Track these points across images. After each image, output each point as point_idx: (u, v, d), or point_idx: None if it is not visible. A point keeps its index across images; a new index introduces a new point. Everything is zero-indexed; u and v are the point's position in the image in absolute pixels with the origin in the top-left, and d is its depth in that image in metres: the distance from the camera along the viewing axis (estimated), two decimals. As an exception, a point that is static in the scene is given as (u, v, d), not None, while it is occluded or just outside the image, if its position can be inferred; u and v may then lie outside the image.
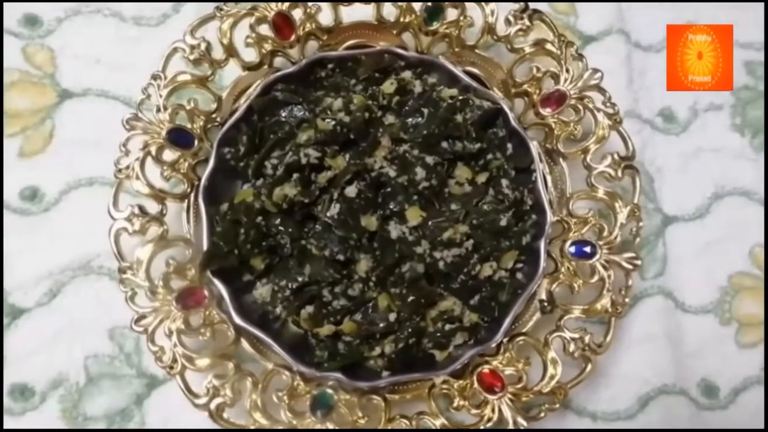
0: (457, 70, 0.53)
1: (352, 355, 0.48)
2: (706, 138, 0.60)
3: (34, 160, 0.56)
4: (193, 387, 0.45)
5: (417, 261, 0.48)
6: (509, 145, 0.52)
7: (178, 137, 0.49)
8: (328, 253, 0.48)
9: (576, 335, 0.48)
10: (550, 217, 0.50)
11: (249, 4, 0.50)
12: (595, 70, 0.52)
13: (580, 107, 0.51)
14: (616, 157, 0.51)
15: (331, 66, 0.53)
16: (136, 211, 0.47)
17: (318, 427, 0.45)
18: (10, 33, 0.58)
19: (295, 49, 0.53)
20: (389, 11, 0.52)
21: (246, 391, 0.46)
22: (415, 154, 0.50)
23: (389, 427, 0.47)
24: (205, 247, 0.48)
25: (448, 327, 0.49)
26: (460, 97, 0.52)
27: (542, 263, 0.49)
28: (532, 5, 0.52)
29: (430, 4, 0.51)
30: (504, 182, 0.51)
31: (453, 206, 0.50)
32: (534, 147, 0.52)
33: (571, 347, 0.48)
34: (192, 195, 0.50)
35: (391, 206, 0.49)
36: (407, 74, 0.53)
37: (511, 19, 0.52)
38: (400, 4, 0.51)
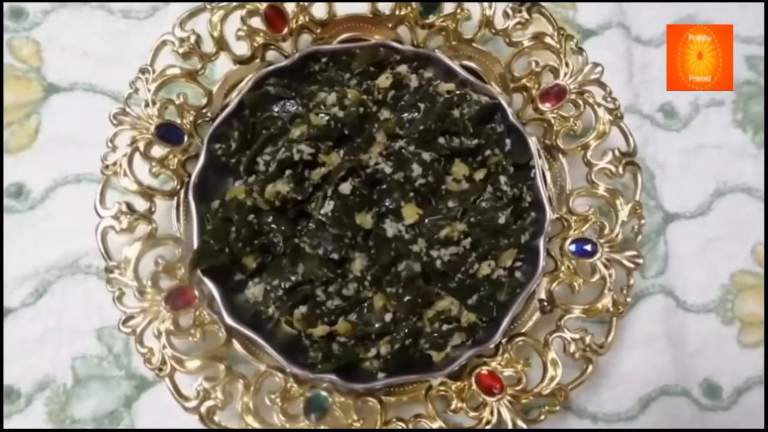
0: (454, 65, 0.52)
1: (347, 357, 0.47)
2: (708, 134, 0.59)
3: (20, 157, 0.55)
4: (183, 389, 0.45)
5: (413, 260, 0.47)
6: (507, 141, 0.52)
7: (168, 133, 0.48)
8: (321, 252, 0.47)
9: (577, 335, 0.47)
10: (550, 215, 0.50)
11: (240, -4, 0.50)
12: (596, 64, 0.51)
13: (580, 102, 0.51)
14: (617, 153, 0.50)
15: (324, 60, 0.52)
16: (124, 208, 0.46)
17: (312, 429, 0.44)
18: (-6, 25, 0.57)
19: (288, 43, 0.52)
20: (384, 4, 0.52)
21: (237, 394, 0.45)
22: (412, 150, 0.49)
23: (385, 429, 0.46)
24: (195, 245, 0.48)
25: (445, 327, 0.48)
26: (457, 92, 0.51)
27: (542, 262, 0.49)
28: (530, -2, 0.52)
29: (426, -4, 0.51)
30: (502, 179, 0.50)
31: (450, 203, 0.49)
32: (533, 143, 0.51)
33: (572, 348, 0.47)
34: (182, 192, 0.49)
35: (387, 203, 0.49)
36: (403, 68, 0.52)
37: (510, 12, 0.51)
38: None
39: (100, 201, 0.47)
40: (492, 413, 0.46)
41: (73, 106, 0.56)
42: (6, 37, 0.56)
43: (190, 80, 0.50)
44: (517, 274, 0.50)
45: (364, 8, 0.52)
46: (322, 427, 0.44)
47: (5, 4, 0.57)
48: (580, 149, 0.51)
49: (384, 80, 0.51)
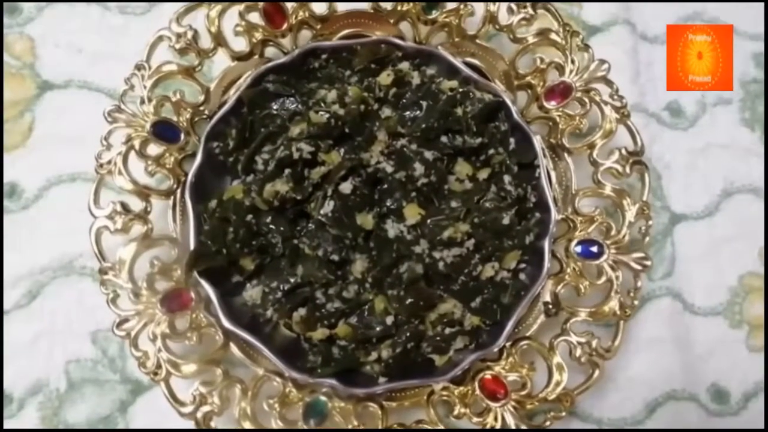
0: (457, 62, 0.51)
1: (347, 361, 0.47)
2: (715, 133, 0.59)
3: (13, 155, 0.54)
4: (179, 394, 0.44)
5: (415, 261, 0.47)
6: (512, 140, 0.51)
7: (164, 131, 0.48)
8: (321, 253, 0.47)
9: (583, 339, 0.46)
10: (555, 216, 0.49)
11: (238, -9, 0.49)
12: (602, 61, 0.50)
13: (586, 100, 0.50)
14: (623, 152, 0.49)
15: (325, 56, 0.52)
16: (119, 208, 0.46)
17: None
18: (-13, 21, 0.56)
19: (287, 39, 0.51)
20: (386, -1, 0.51)
21: (235, 399, 0.44)
22: (414, 149, 0.49)
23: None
24: (191, 246, 0.47)
25: (448, 331, 0.48)
26: (461, 90, 0.51)
27: (546, 264, 0.48)
28: (535, -6, 0.51)
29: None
30: (506, 178, 0.50)
31: (453, 204, 0.49)
32: (537, 142, 0.51)
33: (578, 352, 0.46)
34: (178, 191, 0.48)
35: (388, 204, 0.48)
36: (405, 65, 0.52)
37: (514, 7, 0.51)
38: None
39: (95, 201, 0.46)
40: (496, 419, 0.45)
41: (68, 103, 0.55)
42: None
43: (186, 77, 0.49)
44: (522, 276, 0.49)
45: (365, 4, 0.51)
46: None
47: (-1, 0, 0.56)
48: (585, 148, 0.50)
49: (385, 77, 0.50)
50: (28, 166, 0.54)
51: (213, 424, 0.44)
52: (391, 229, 0.47)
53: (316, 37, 0.52)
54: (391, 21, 0.52)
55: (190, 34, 0.48)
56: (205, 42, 0.49)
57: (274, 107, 0.51)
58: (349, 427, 0.45)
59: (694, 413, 0.53)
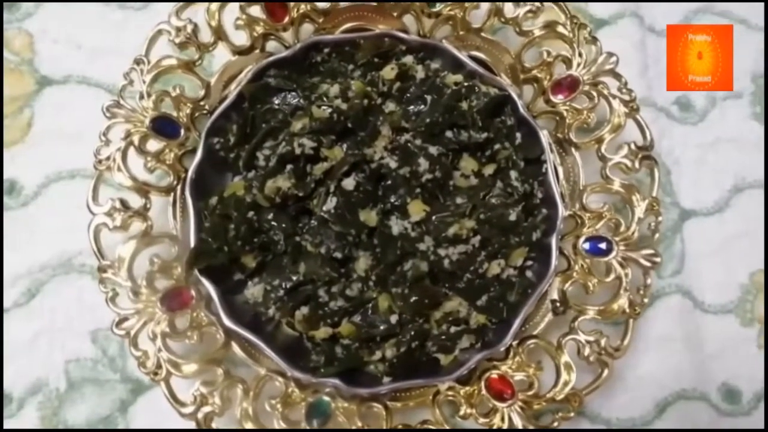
0: (462, 55, 0.51)
1: (351, 360, 0.46)
2: (725, 128, 0.58)
3: (12, 152, 0.54)
4: (180, 394, 0.44)
5: (420, 259, 0.47)
6: (518, 135, 0.51)
7: (163, 126, 0.48)
8: (324, 251, 0.46)
9: (591, 338, 0.46)
10: (562, 212, 0.49)
11: (239, -16, 0.49)
12: (610, 54, 0.50)
13: (594, 94, 0.49)
14: (633, 147, 0.49)
15: (327, 50, 0.51)
16: (118, 205, 0.46)
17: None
18: (-15, 16, 0.56)
19: (289, 33, 0.51)
20: (389, -8, 0.51)
21: (236, 399, 0.44)
22: (418, 144, 0.49)
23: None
24: (192, 243, 0.47)
25: (453, 329, 0.47)
26: (466, 84, 0.51)
27: (554, 261, 0.48)
28: (541, -14, 0.50)
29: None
30: (513, 174, 0.49)
31: (458, 200, 0.48)
32: (544, 136, 0.50)
33: (586, 351, 0.46)
34: (178, 188, 0.48)
35: (392, 200, 0.48)
36: (409, 59, 0.51)
37: (520, -1, 0.50)
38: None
39: (93, 197, 0.46)
40: (503, 420, 0.45)
41: (67, 99, 0.55)
42: (-2, 28, 0.56)
43: (186, 71, 0.49)
44: (529, 273, 0.49)
45: (368, -4, 0.51)
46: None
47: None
48: (593, 143, 0.50)
49: (389, 71, 0.50)
50: (27, 163, 0.53)
51: (214, 425, 0.43)
52: (395, 225, 0.47)
53: (318, 30, 0.52)
54: (395, 14, 0.52)
55: (189, 28, 0.48)
56: (205, 36, 0.49)
57: (276, 102, 0.50)
58: (353, 427, 0.44)
59: (705, 413, 0.52)
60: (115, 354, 0.51)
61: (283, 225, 0.47)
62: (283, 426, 0.43)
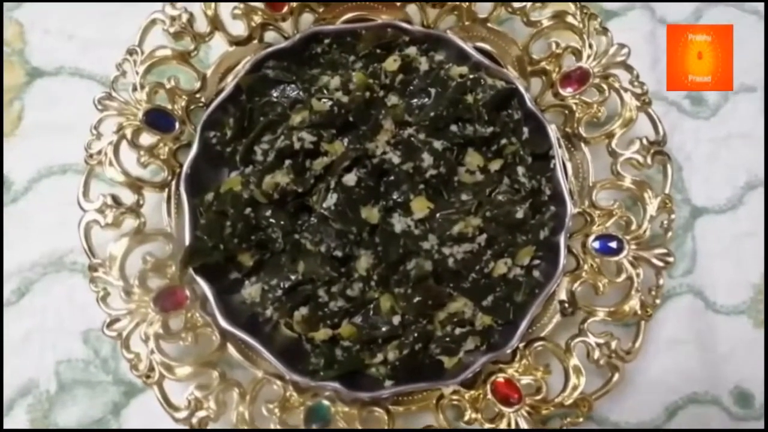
0: (468, 46, 0.51)
1: (352, 363, 0.46)
2: (738, 122, 0.57)
3: (1, 145, 0.53)
4: (173, 398, 0.43)
5: (424, 258, 0.46)
6: (525, 129, 0.50)
7: (157, 119, 0.47)
8: (324, 249, 0.46)
9: (601, 340, 0.45)
10: (571, 209, 0.48)
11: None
12: (621, 46, 0.49)
13: (605, 87, 0.49)
14: (644, 141, 0.48)
15: (327, 41, 0.51)
16: (109, 201, 0.45)
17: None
18: (-26, 6, 0.56)
19: (288, 22, 0.51)
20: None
21: (232, 403, 0.44)
22: (422, 139, 0.48)
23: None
24: (187, 241, 0.47)
25: (458, 331, 0.47)
26: (471, 76, 0.50)
27: (562, 260, 0.47)
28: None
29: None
30: (520, 170, 0.49)
31: (463, 197, 0.48)
32: (552, 131, 0.50)
33: (596, 354, 0.45)
34: (173, 184, 0.48)
35: (395, 196, 0.47)
36: (412, 50, 0.51)
37: (528, -12, 0.50)
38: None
39: (84, 193, 0.45)
40: (509, 425, 0.44)
41: (59, 91, 0.54)
42: (-14, 18, 0.55)
43: (182, 62, 0.48)
44: (536, 273, 0.49)
45: (370, -15, 0.51)
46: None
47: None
48: (604, 138, 0.49)
49: (392, 63, 0.50)
50: (17, 157, 0.53)
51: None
52: (398, 223, 0.46)
53: (318, 20, 0.51)
54: (398, 4, 0.51)
55: (185, 17, 0.48)
56: (202, 25, 0.48)
57: (274, 95, 0.50)
58: (354, 432, 0.44)
59: (717, 417, 0.52)
60: (107, 355, 0.50)
61: (282, 222, 0.47)
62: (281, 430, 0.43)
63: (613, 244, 0.47)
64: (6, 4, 0.55)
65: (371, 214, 0.46)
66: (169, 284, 0.45)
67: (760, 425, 0.51)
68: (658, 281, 0.46)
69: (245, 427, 0.43)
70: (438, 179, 0.47)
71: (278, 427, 0.43)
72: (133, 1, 0.54)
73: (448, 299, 0.47)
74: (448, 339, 0.47)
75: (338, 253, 0.46)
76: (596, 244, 0.47)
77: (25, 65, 0.54)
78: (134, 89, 0.47)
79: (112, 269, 0.44)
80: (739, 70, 0.56)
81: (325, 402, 0.44)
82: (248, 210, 0.47)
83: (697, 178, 0.56)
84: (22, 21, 0.55)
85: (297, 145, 0.46)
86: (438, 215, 0.47)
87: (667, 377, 0.52)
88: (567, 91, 0.50)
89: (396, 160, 0.47)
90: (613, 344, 0.45)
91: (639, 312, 0.46)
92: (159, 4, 0.48)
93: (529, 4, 0.49)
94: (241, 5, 0.48)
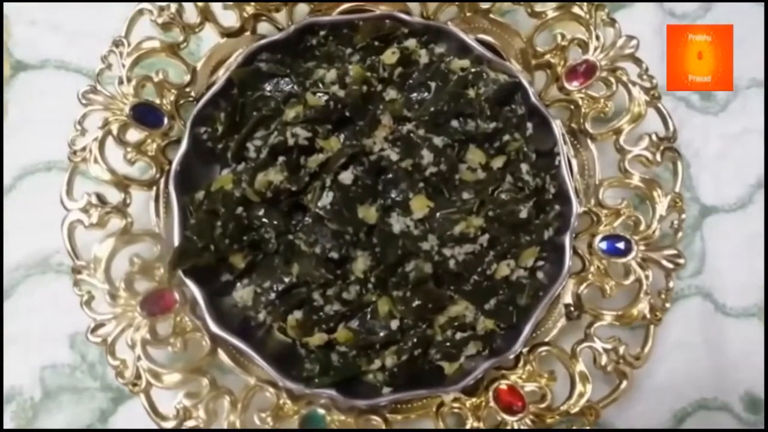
0: (469, 39, 0.50)
1: (348, 369, 0.46)
2: (749, 118, 0.56)
3: None
4: (161, 407, 0.43)
5: (423, 259, 0.46)
6: (529, 125, 0.50)
7: (145, 114, 0.47)
8: (319, 250, 0.45)
9: (609, 345, 0.45)
10: (577, 208, 0.48)
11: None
12: (630, 37, 0.49)
13: (612, 80, 0.48)
14: (654, 138, 0.48)
15: (323, 33, 0.51)
16: (94, 200, 0.45)
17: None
18: (-45, -4, 0.55)
19: (282, 13, 0.50)
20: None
21: (223, 412, 0.43)
22: (421, 135, 0.48)
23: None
24: (176, 242, 0.46)
25: (458, 335, 0.47)
26: (473, 70, 0.50)
27: (567, 261, 0.47)
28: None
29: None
30: (523, 167, 0.48)
31: (465, 195, 0.47)
32: (557, 127, 0.49)
33: (603, 360, 0.45)
34: (161, 182, 0.47)
35: (393, 195, 0.47)
36: (411, 43, 0.50)
37: (532, -23, 0.50)
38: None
39: (67, 192, 0.45)
40: None
41: (44, 85, 0.53)
42: (-32, 9, 0.55)
43: (170, 55, 0.48)
44: (540, 275, 0.48)
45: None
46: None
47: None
48: (611, 134, 0.49)
49: (390, 56, 0.49)
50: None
51: (199, 439, 0.42)
52: (397, 223, 0.46)
53: (313, 11, 0.51)
54: None
55: (174, 7, 0.47)
56: (191, 16, 0.48)
57: (268, 89, 0.50)
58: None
59: (727, 423, 0.51)
60: (94, 360, 0.49)
61: (275, 222, 0.46)
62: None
63: (621, 245, 0.46)
64: (-11, -5, 0.54)
65: (368, 213, 0.46)
66: (156, 287, 0.44)
67: (771, 432, 0.51)
68: (667, 284, 0.46)
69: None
70: (438, 177, 0.47)
71: (271, 436, 0.42)
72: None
73: (448, 302, 0.47)
74: (448, 344, 0.46)
75: (334, 255, 0.45)
76: (603, 245, 0.47)
77: (9, 58, 0.53)
78: (120, 83, 0.46)
79: (97, 271, 0.43)
80: (749, 64, 0.56)
81: (320, 410, 0.44)
82: (240, 209, 0.46)
83: (705, 176, 0.55)
84: (6, 12, 0.54)
85: (291, 142, 0.46)
86: (438, 215, 0.46)
87: (675, 382, 0.51)
88: (573, 85, 0.49)
89: (394, 157, 0.47)
90: (621, 350, 0.45)
91: (648, 316, 0.45)
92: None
93: (533, -7, 0.49)
94: (233, -5, 0.48)
